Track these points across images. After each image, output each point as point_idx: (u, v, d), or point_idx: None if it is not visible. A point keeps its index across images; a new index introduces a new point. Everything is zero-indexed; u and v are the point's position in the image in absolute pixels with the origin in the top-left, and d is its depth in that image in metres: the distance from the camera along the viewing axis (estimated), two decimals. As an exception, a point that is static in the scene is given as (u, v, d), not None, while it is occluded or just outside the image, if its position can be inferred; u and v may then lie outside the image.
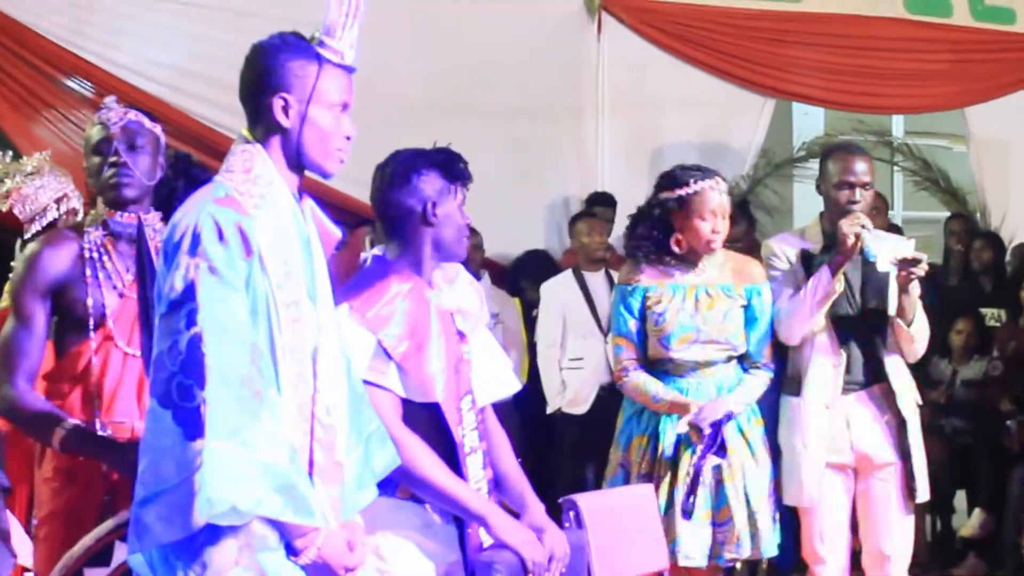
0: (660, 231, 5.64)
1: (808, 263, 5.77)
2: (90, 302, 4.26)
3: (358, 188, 8.33)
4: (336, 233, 3.64)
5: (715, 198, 5.55)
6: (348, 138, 3.46)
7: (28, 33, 9.15)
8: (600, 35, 10.76)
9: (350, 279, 4.24)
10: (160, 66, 9.59)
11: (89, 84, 9.36)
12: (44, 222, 5.85)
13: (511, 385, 4.53)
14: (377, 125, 7.60)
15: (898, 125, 12.81)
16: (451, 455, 4.10)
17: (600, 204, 9.86)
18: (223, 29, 9.26)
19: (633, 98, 10.83)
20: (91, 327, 4.27)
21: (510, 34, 10.32)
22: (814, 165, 11.59)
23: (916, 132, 12.84)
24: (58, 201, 6.20)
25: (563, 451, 8.78)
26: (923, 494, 5.84)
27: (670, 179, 5.66)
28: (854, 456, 5.81)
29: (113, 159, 4.35)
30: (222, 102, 8.88)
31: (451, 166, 4.22)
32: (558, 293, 8.85)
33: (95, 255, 4.31)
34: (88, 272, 4.29)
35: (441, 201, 4.20)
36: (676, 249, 5.61)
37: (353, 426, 3.56)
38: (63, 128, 9.15)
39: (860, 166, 5.83)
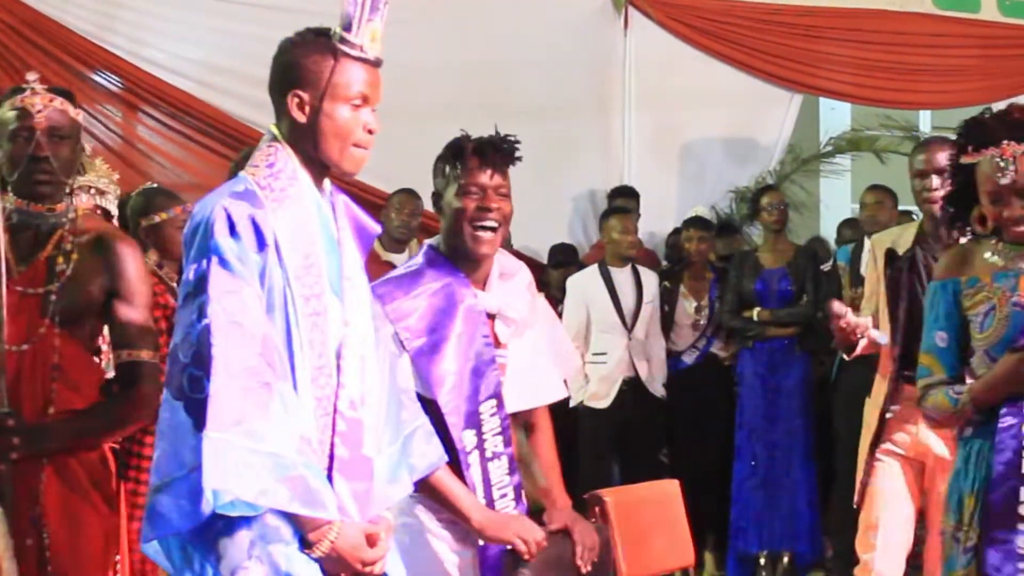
0: (964, 202, 4.31)
1: (891, 261, 5.69)
2: None
3: (385, 183, 8.42)
4: (375, 228, 3.65)
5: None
6: (370, 132, 3.43)
7: (56, 27, 9.18)
8: (626, 30, 10.77)
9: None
10: (188, 61, 9.62)
11: (117, 79, 9.40)
12: None
13: (554, 392, 4.48)
14: (404, 121, 7.65)
15: (925, 120, 12.77)
16: (453, 458, 4.01)
17: (623, 196, 9.87)
18: (251, 24, 9.28)
19: (659, 93, 10.83)
20: None
21: (537, 29, 10.33)
22: (841, 160, 11.72)
23: (944, 128, 12.77)
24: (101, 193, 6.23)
25: (585, 445, 8.78)
26: None
27: (971, 132, 4.22)
28: (919, 449, 5.62)
29: (34, 152, 4.15)
30: (249, 97, 8.91)
31: (456, 154, 4.17)
32: (583, 287, 8.84)
33: None
34: None
35: (444, 192, 4.19)
36: (978, 228, 4.27)
37: (389, 421, 3.57)
38: (91, 123, 9.18)
39: (931, 154, 5.57)
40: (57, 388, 4.10)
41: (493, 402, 4.15)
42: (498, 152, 4.16)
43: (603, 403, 8.69)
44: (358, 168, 3.47)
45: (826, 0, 11.17)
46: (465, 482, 4.07)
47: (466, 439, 4.08)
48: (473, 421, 4.10)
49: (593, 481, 7.41)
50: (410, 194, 8.61)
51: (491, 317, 4.21)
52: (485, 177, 4.14)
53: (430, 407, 3.96)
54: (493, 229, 4.15)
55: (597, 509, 4.94)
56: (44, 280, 4.12)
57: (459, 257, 4.17)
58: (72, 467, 4.12)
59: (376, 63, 3.44)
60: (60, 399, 4.10)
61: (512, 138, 4.22)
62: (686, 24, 10.90)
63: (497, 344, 4.20)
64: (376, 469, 3.48)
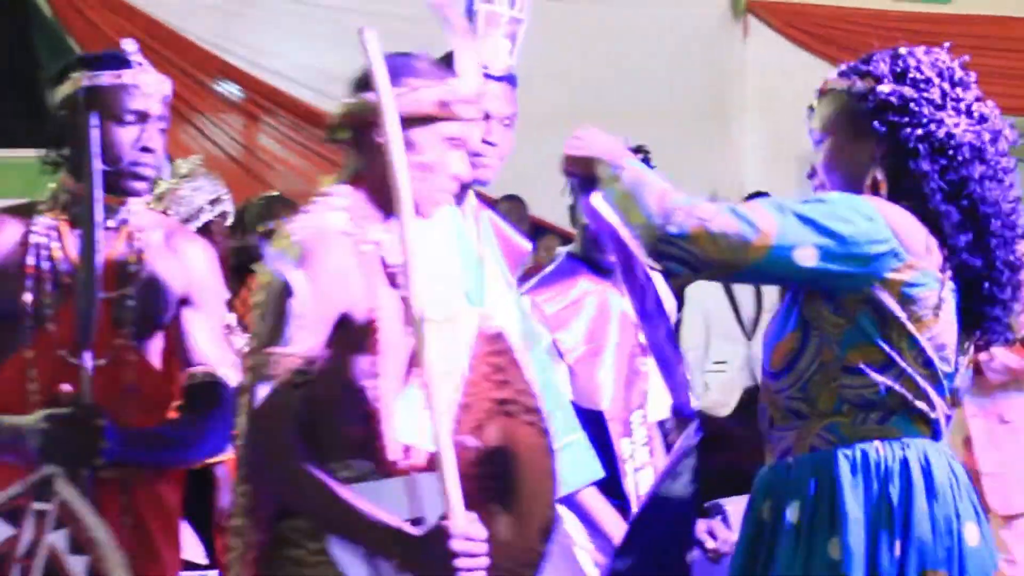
0: None
1: None
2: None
3: (497, 191, 8.42)
4: (525, 246, 3.66)
5: None
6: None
7: (175, 37, 9.27)
8: (746, 37, 10.73)
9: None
10: (308, 70, 9.66)
11: (237, 88, 9.45)
12: (198, 223, 5.84)
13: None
14: (522, 130, 7.62)
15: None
16: (611, 467, 3.99)
17: None
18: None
19: (778, 101, 10.77)
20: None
21: (655, 37, 10.33)
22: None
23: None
24: (212, 203, 6.25)
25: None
26: None
27: None
28: None
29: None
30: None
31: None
32: (702, 295, 8.78)
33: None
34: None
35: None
36: None
37: None
38: (210, 132, 9.26)
39: None
40: (131, 412, 3.37)
41: (640, 412, 4.12)
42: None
43: (725, 411, 8.64)
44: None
45: (948, 7, 11.07)
46: (622, 492, 4.03)
47: (624, 448, 4.05)
48: (627, 430, 4.08)
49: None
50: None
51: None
52: None
53: (588, 418, 3.93)
54: None
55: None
56: (116, 283, 3.39)
57: (601, 266, 4.13)
58: (160, 492, 3.47)
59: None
60: (134, 424, 3.37)
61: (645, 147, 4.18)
62: (806, 32, 10.86)
63: (642, 353, 4.16)
64: None
